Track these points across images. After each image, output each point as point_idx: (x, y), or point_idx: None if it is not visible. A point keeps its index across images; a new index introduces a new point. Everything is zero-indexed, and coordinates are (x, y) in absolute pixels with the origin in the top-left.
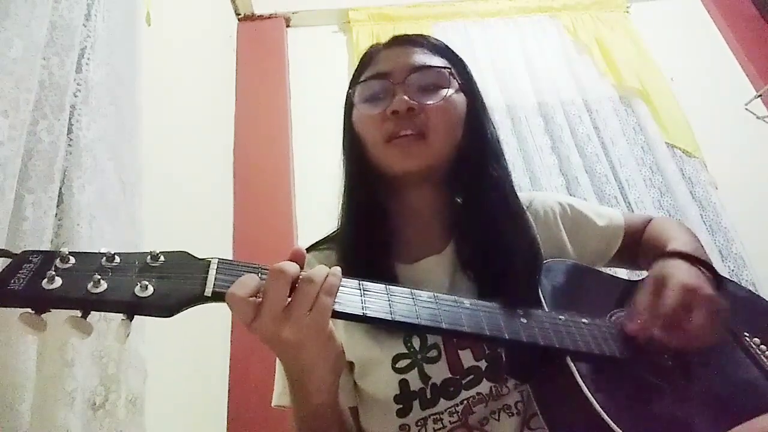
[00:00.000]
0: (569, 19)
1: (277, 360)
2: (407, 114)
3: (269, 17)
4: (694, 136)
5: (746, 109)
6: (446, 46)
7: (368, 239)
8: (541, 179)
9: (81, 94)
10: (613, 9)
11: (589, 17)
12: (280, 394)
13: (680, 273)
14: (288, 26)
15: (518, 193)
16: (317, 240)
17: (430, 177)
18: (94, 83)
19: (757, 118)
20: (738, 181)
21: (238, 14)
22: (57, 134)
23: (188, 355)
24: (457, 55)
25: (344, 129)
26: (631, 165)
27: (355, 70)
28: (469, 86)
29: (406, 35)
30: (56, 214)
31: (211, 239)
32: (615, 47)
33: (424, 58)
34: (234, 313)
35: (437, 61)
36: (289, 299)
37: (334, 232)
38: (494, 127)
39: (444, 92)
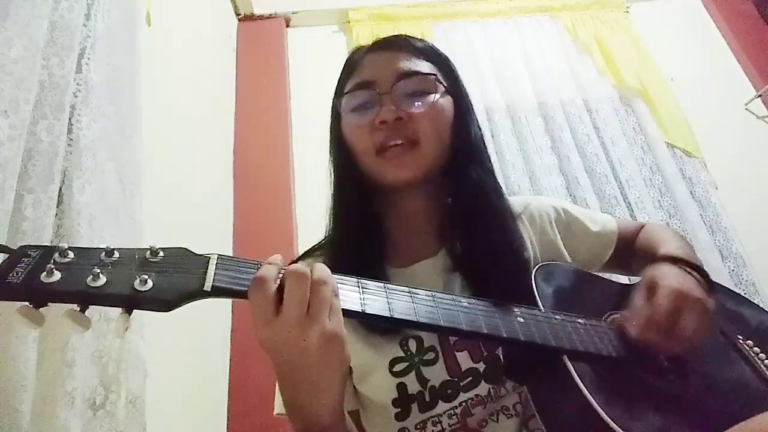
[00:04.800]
0: (569, 19)
1: None
2: (396, 123)
3: (269, 17)
4: (694, 136)
5: (746, 109)
6: (431, 46)
7: (359, 244)
8: (541, 179)
9: (81, 94)
10: (613, 9)
11: (589, 17)
12: (282, 402)
13: (670, 277)
14: (288, 26)
15: (515, 197)
16: (307, 249)
17: (422, 183)
18: (94, 83)
19: (757, 118)
20: (738, 181)
21: (238, 14)
22: (57, 134)
23: (188, 355)
24: (442, 55)
25: (332, 137)
26: (631, 165)
27: (340, 78)
28: (455, 87)
29: (390, 38)
30: (56, 214)
31: (211, 240)
32: (615, 47)
33: (409, 63)
34: (253, 306)
35: (422, 65)
36: None
37: (324, 239)
38: (479, 127)
39: (431, 98)
